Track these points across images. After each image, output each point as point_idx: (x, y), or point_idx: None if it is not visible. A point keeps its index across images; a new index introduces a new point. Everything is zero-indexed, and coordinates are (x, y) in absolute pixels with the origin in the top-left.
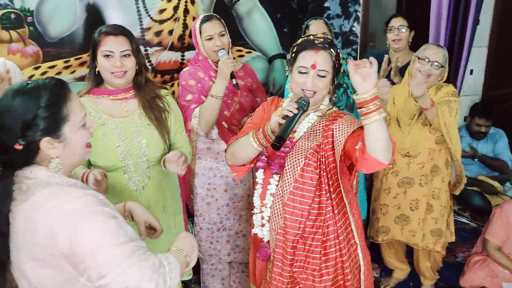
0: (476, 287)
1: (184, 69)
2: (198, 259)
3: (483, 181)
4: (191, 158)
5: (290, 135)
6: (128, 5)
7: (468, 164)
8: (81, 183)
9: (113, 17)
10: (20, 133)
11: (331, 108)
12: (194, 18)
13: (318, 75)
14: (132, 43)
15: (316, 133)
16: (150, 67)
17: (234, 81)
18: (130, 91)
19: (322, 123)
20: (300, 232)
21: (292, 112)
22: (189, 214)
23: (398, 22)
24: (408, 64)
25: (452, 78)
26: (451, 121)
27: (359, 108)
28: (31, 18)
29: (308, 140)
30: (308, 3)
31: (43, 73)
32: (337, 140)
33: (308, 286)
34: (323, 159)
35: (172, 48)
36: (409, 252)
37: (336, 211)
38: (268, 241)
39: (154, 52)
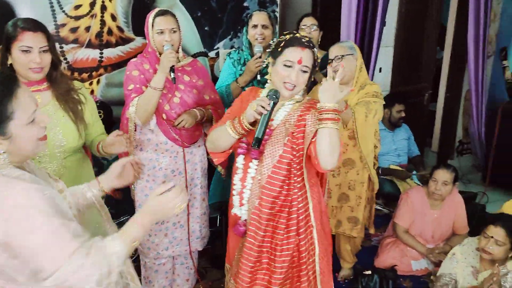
0: (389, 266)
1: (132, 59)
2: (137, 253)
3: (395, 169)
4: None
5: (269, 123)
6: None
7: (381, 155)
8: (29, 175)
9: (24, 12)
10: None
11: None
12: (112, 15)
13: (301, 70)
14: (49, 39)
15: (291, 121)
16: (66, 65)
17: (172, 75)
18: (44, 83)
19: (297, 112)
20: (272, 211)
21: (265, 108)
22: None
23: (309, 21)
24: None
25: None
26: (366, 125)
27: (320, 114)
28: None
29: (284, 128)
30: (227, 2)
31: None
32: (308, 129)
33: (270, 260)
34: (295, 146)
35: (90, 45)
36: None
37: (299, 193)
38: (245, 220)
39: (70, 50)
